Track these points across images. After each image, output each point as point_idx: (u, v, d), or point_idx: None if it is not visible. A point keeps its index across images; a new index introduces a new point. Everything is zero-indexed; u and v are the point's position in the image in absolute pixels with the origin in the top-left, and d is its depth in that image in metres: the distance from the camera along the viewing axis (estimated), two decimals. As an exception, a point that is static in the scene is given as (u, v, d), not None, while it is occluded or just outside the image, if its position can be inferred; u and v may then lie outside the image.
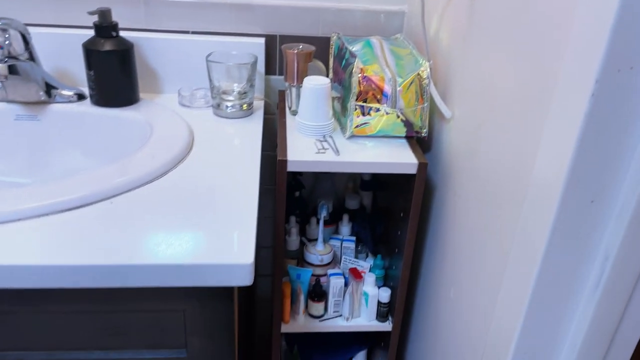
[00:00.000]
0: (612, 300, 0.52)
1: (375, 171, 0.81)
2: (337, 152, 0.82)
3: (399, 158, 0.81)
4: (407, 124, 0.85)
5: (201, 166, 0.80)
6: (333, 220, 1.10)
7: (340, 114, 0.91)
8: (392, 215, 0.97)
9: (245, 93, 0.98)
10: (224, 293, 0.65)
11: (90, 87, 0.95)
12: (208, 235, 0.64)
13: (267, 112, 1.13)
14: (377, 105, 0.83)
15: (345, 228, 1.08)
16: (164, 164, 0.77)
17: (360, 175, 1.15)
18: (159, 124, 0.89)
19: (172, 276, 0.60)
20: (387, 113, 0.84)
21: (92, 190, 0.69)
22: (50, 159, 0.95)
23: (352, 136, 0.87)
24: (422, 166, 0.81)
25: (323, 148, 0.83)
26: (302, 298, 0.94)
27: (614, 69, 0.43)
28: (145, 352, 0.69)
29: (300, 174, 1.11)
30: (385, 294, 0.95)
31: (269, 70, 1.10)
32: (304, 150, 0.82)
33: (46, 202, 0.66)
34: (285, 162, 0.79)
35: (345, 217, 1.08)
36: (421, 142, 0.95)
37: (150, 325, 0.67)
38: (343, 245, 1.05)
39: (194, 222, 0.66)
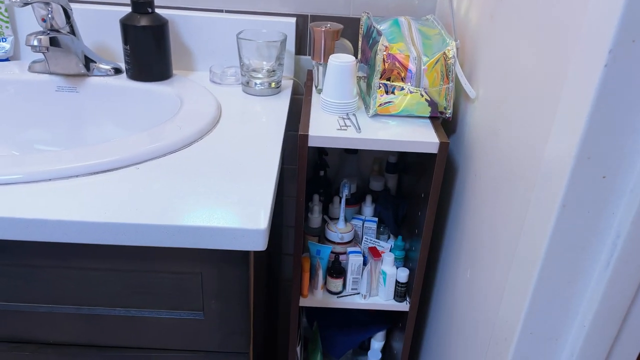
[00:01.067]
0: (624, 279, 0.51)
1: (396, 149, 0.81)
2: (358, 129, 0.83)
3: (420, 137, 0.81)
4: (432, 103, 0.85)
5: (226, 139, 0.82)
6: (356, 201, 1.11)
7: (366, 94, 0.92)
8: (415, 197, 0.97)
9: (274, 71, 1.00)
10: (240, 258, 0.68)
11: (126, 62, 0.99)
12: (226, 201, 0.66)
13: (296, 93, 1.14)
14: (401, 83, 0.84)
15: (368, 209, 1.09)
16: (190, 135, 0.80)
17: (386, 157, 1.15)
18: (188, 98, 0.92)
19: (190, 237, 0.62)
20: (410, 92, 0.84)
21: (119, 156, 0.72)
22: (87, 129, 1.00)
23: (376, 115, 0.88)
24: (443, 146, 0.80)
25: (345, 125, 0.84)
26: (320, 273, 0.96)
27: (629, 39, 0.42)
28: (164, 312, 0.72)
29: (325, 153, 1.12)
30: (403, 274, 0.95)
31: (300, 50, 1.11)
32: (325, 127, 0.83)
33: (76, 165, 0.69)
34: (306, 137, 0.80)
35: (369, 198, 1.09)
36: (446, 124, 0.95)
37: (169, 286, 0.70)
38: (365, 225, 1.06)
39: (214, 189, 0.68)
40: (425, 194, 0.89)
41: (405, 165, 1.11)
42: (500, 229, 0.69)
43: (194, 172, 0.72)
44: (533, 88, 0.60)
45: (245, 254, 0.68)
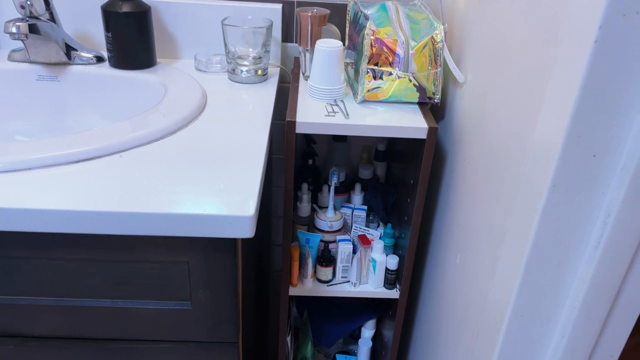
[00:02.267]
0: (614, 259, 0.51)
1: (384, 135, 0.80)
2: (346, 115, 0.81)
3: (409, 122, 0.80)
4: (420, 88, 0.84)
5: (211, 126, 0.80)
6: (345, 190, 1.10)
7: (354, 80, 0.90)
8: (404, 184, 0.97)
9: (260, 58, 0.99)
10: (227, 246, 0.66)
11: (109, 50, 0.96)
12: (213, 188, 0.65)
13: (283, 81, 1.13)
14: (389, 68, 0.82)
15: (357, 197, 1.08)
16: (174, 122, 0.78)
17: (374, 145, 1.14)
18: (173, 86, 0.91)
19: (176, 226, 0.61)
20: (399, 77, 0.83)
21: (101, 144, 0.70)
22: (69, 119, 0.97)
23: (364, 101, 0.86)
24: (432, 131, 0.80)
25: (333, 111, 0.83)
26: (310, 262, 0.95)
27: (619, 14, 0.41)
28: (151, 303, 0.71)
29: (314, 142, 1.11)
30: (393, 261, 0.95)
31: (287, 37, 1.10)
32: (313, 113, 0.82)
33: (56, 154, 0.68)
34: (293, 123, 0.79)
35: (358, 187, 1.08)
36: (434, 109, 0.94)
37: (155, 276, 0.69)
38: (354, 213, 1.05)
39: (200, 176, 0.67)
40: (414, 180, 0.88)
41: (394, 153, 1.10)
42: (490, 212, 0.68)
43: (179, 160, 0.70)
44: (522, 70, 0.59)
45: (232, 241, 0.66)
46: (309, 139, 1.12)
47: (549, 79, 0.51)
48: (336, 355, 1.18)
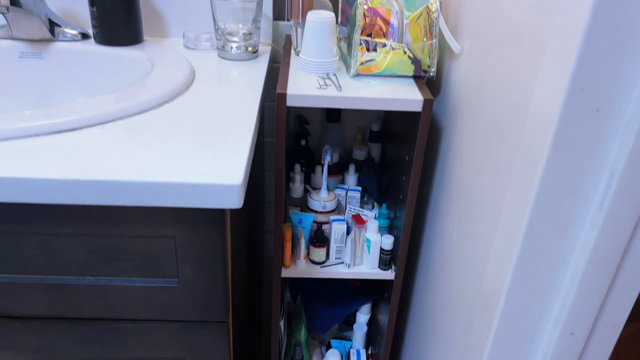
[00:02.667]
0: (618, 222, 0.48)
1: (378, 108, 0.78)
2: (339, 87, 0.79)
3: (404, 94, 0.78)
4: (415, 61, 0.82)
5: (200, 100, 0.78)
6: (339, 171, 1.08)
7: (346, 54, 0.88)
8: (399, 162, 0.94)
9: (250, 34, 0.96)
10: (215, 219, 0.64)
11: (94, 26, 0.93)
12: (199, 158, 0.62)
13: (274, 61, 1.10)
14: (382, 40, 0.80)
15: (351, 178, 1.05)
16: (160, 95, 0.75)
17: (369, 126, 1.12)
18: (160, 61, 0.88)
19: (160, 195, 0.58)
20: (393, 48, 0.80)
21: (83, 115, 0.68)
22: (53, 97, 0.94)
23: (357, 75, 0.84)
24: (427, 103, 0.77)
25: (325, 84, 0.80)
26: (303, 242, 0.92)
27: (625, -47, 0.39)
28: (136, 280, 0.68)
29: (307, 122, 1.08)
30: (388, 241, 0.92)
31: (278, 16, 1.07)
32: (305, 86, 0.79)
33: (36, 124, 0.65)
34: (284, 95, 0.76)
35: (352, 167, 1.05)
36: (430, 84, 0.92)
37: (141, 252, 0.66)
38: (348, 194, 1.03)
39: (186, 147, 0.64)
40: (409, 157, 0.86)
41: (388, 133, 1.07)
42: (488, 183, 0.66)
43: (164, 132, 0.68)
44: (521, 31, 0.57)
45: (221, 214, 0.64)
46: (301, 119, 1.09)
47: (549, 34, 0.48)
48: (331, 340, 1.15)
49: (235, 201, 0.59)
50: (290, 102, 0.77)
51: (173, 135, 0.67)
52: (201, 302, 0.70)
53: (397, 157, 0.96)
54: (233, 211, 0.68)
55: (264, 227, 1.33)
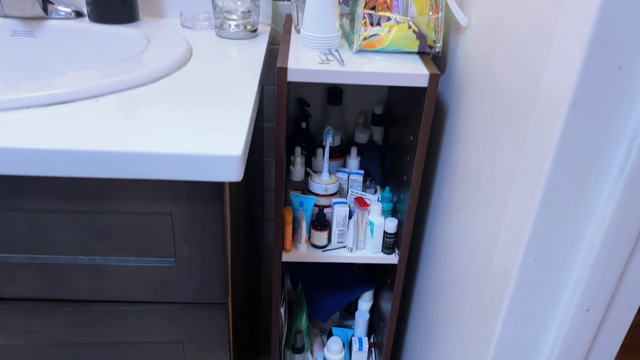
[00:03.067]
0: None
1: (382, 83, 0.75)
2: (342, 62, 0.76)
3: (409, 69, 0.75)
4: (420, 35, 0.79)
5: (197, 75, 0.75)
6: (341, 154, 1.05)
7: (349, 32, 0.85)
8: (402, 143, 0.91)
9: (249, 12, 0.93)
10: (213, 195, 0.61)
11: (88, 3, 0.91)
12: (197, 130, 0.60)
13: (274, 42, 1.07)
14: (387, 13, 0.77)
15: (353, 161, 1.03)
16: (155, 69, 0.73)
17: (371, 109, 1.09)
18: (155, 38, 0.85)
19: (154, 167, 0.56)
20: (397, 22, 0.78)
21: (75, 87, 0.65)
22: (46, 75, 0.91)
23: (360, 50, 0.81)
24: (433, 78, 0.74)
25: (327, 60, 0.77)
26: (304, 226, 0.90)
27: None
28: (132, 260, 0.66)
29: (307, 104, 1.05)
30: (391, 224, 0.90)
31: (278, -6, 1.04)
32: (306, 61, 0.76)
33: (28, 95, 0.62)
34: (285, 70, 0.73)
35: (354, 150, 1.03)
36: (435, 61, 0.89)
37: (136, 230, 0.64)
38: (350, 178, 1.00)
39: (183, 119, 0.62)
40: (414, 137, 0.83)
41: (392, 117, 1.05)
42: (498, 156, 0.63)
43: (160, 105, 0.65)
44: (534, -8, 0.54)
45: (219, 190, 0.61)
46: (302, 102, 1.06)
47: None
48: (332, 328, 1.13)
49: (234, 174, 0.57)
50: (291, 77, 0.74)
51: (170, 108, 0.64)
52: (199, 283, 0.68)
53: (401, 139, 0.93)
54: (232, 188, 0.65)
55: (263, 215, 1.30)
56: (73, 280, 0.66)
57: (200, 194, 0.61)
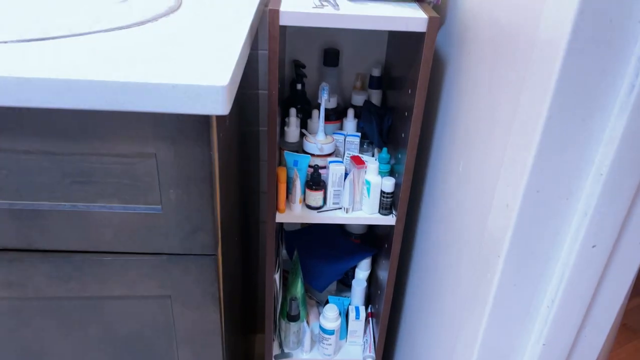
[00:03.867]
0: (651, 106, 0.43)
1: (379, 27, 0.72)
2: (336, 6, 0.73)
3: (407, 14, 0.72)
4: (417, -18, 0.76)
5: (187, 18, 0.72)
6: (337, 117, 1.02)
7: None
8: (400, 99, 0.88)
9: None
10: (199, 135, 0.58)
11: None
12: (183, 62, 0.57)
13: (265, 4, 1.04)
14: (383, -43, 0.74)
15: (349, 124, 1.00)
16: (141, 11, 0.70)
17: (368, 73, 1.06)
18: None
19: (136, 96, 0.52)
20: (394, -33, 0.74)
21: (55, 25, 0.62)
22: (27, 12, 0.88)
23: (356, -1, 0.78)
24: (433, 22, 0.71)
25: (321, 4, 0.74)
26: (298, 185, 0.87)
27: None
28: (116, 207, 0.63)
29: (303, 66, 1.02)
30: (389, 183, 0.87)
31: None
32: (300, 4, 0.73)
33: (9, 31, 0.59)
34: (277, 12, 0.70)
35: (350, 112, 1.00)
36: (436, 10, 0.86)
37: (119, 173, 0.61)
38: (347, 140, 0.97)
39: (169, 55, 0.59)
40: (412, 89, 0.80)
41: (390, 79, 1.01)
42: (497, 104, 0.60)
43: (146, 45, 0.62)
44: None
45: (206, 129, 0.58)
46: (297, 63, 1.03)
47: None
48: (329, 297, 1.10)
49: (220, 106, 0.53)
50: (284, 21, 0.71)
51: (156, 46, 0.61)
52: (187, 232, 0.65)
53: (399, 97, 0.90)
54: (221, 133, 0.62)
55: (260, 187, 1.27)
56: (55, 229, 0.64)
57: (186, 133, 0.58)
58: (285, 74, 1.07)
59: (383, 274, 1.00)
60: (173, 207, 0.63)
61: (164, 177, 0.61)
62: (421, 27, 0.72)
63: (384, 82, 1.05)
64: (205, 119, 0.57)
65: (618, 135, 0.44)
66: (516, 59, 0.55)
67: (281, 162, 0.92)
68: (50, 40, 0.60)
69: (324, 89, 0.88)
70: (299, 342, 1.06)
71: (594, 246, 0.49)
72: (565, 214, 0.50)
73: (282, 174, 0.85)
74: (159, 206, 0.63)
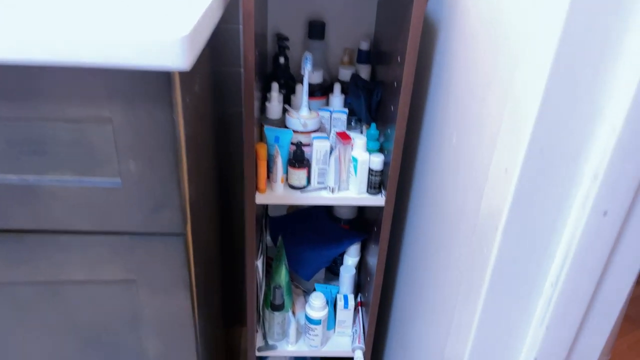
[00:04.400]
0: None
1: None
2: (317, -38, 0.66)
3: (394, -30, 0.66)
4: (406, -64, 0.69)
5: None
6: (323, 93, 0.96)
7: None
8: (390, 71, 0.82)
9: None
10: (159, 94, 0.52)
11: None
12: (141, 16, 0.50)
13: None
14: None
15: (336, 99, 0.93)
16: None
17: (357, 46, 1.00)
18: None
19: (84, 47, 0.46)
20: None
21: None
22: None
23: (339, -42, 0.71)
24: (421, -22, 0.65)
25: (301, -38, 0.68)
26: (279, 162, 0.80)
27: None
28: (70, 180, 0.56)
29: (286, 38, 0.96)
30: (377, 159, 0.80)
31: None
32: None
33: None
34: (251, -32, 0.64)
35: (337, 87, 0.93)
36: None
37: (72, 141, 0.54)
38: (333, 116, 0.91)
39: (124, 10, 0.52)
40: (401, 57, 0.74)
41: (379, 54, 0.95)
42: (494, 72, 0.54)
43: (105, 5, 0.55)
44: None
45: (166, 86, 0.51)
46: (280, 36, 0.97)
47: None
48: (316, 284, 1.04)
49: (180, 59, 0.47)
50: (258, -23, 0.64)
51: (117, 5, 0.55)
52: (150, 208, 0.58)
53: (388, 69, 0.84)
54: (187, 93, 0.56)
55: (243, 172, 1.21)
56: (3, 206, 0.57)
57: (143, 94, 0.52)
58: (267, 49, 1.01)
59: (373, 261, 0.94)
60: (134, 179, 0.57)
61: (122, 145, 0.55)
62: (410, -16, 0.65)
63: (373, 56, 0.98)
64: (166, 78, 0.51)
65: (635, 84, 0.38)
66: (513, 39, 0.49)
67: (262, 139, 0.86)
68: (-8, -8, 0.54)
69: (307, 58, 0.82)
70: (284, 333, 1.00)
71: (605, 213, 0.43)
72: (572, 176, 0.44)
73: (261, 150, 0.79)
74: (118, 179, 0.57)
